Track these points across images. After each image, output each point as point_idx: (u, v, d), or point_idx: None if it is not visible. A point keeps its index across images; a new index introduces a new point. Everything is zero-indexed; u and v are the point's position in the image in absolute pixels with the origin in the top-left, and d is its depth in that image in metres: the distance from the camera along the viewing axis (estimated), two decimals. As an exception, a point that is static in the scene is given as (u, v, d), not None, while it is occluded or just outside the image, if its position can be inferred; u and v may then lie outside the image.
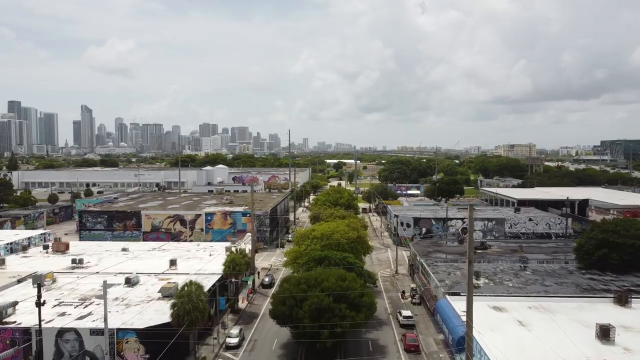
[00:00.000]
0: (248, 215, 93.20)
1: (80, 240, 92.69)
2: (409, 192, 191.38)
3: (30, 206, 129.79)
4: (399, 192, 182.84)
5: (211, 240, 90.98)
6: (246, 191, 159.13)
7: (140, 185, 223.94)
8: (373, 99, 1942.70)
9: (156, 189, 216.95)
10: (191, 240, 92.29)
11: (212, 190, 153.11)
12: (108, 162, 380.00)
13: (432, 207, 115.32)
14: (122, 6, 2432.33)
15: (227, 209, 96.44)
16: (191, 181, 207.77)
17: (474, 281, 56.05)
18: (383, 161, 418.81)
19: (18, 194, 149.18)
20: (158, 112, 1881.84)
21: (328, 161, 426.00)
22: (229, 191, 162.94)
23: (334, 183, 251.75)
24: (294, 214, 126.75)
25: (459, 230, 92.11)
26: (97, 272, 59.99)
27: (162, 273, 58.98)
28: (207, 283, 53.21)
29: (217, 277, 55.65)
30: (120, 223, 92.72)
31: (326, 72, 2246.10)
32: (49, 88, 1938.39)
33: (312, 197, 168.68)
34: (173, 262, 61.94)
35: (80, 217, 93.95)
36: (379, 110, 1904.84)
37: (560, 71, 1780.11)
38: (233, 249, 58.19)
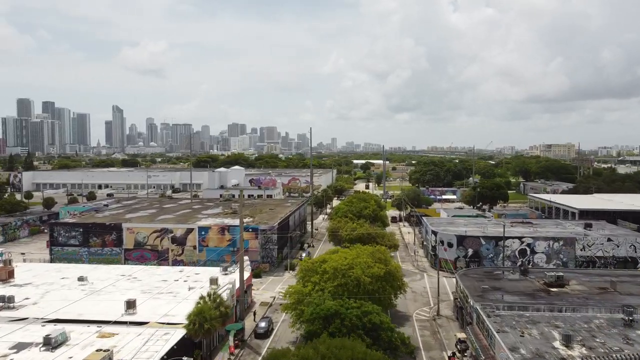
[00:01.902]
0: (251, 230, 76.03)
1: (51, 259, 77.40)
2: (444, 197, 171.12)
3: (19, 212, 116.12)
4: (432, 196, 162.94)
5: (205, 262, 74.31)
6: (261, 196, 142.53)
7: (154, 187, 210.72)
8: (403, 98, 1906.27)
9: (170, 191, 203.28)
10: (181, 260, 75.78)
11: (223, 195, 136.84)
12: (129, 162, 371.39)
13: (477, 219, 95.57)
14: (155, 8, 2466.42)
15: (227, 221, 79.43)
16: (207, 184, 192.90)
17: (564, 350, 37.26)
18: (413, 162, 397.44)
19: (17, 196, 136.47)
20: (189, 112, 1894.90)
21: (355, 161, 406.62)
22: (243, 196, 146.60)
23: (361, 185, 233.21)
24: (312, 224, 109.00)
25: (516, 252, 72.46)
26: (24, 319, 43.61)
27: (110, 322, 42.09)
28: (159, 349, 36.04)
29: (180, 335, 38.46)
30: (97, 238, 76.86)
31: (356, 72, 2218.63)
32: (82, 89, 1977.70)
33: (335, 202, 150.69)
34: (131, 304, 45.05)
35: (51, 230, 78.36)
36: (409, 110, 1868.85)
37: (599, 69, 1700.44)
38: (206, 292, 40.63)
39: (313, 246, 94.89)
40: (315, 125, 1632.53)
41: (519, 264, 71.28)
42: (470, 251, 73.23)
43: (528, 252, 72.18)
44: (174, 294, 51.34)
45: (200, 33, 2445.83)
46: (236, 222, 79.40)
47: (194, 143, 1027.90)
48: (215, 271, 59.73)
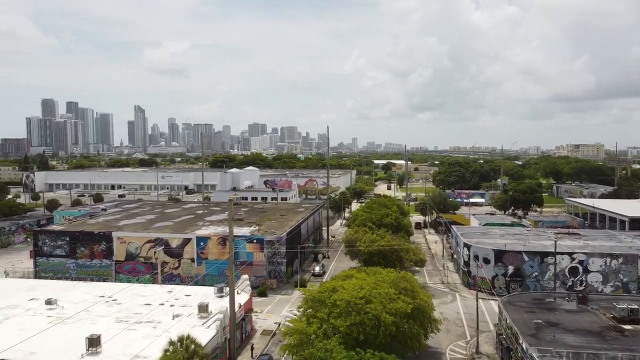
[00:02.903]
0: (255, 241, 66.76)
1: (35, 272, 69.46)
2: (472, 200, 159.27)
3: (17, 215, 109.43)
4: (459, 200, 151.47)
5: (205, 276, 65.44)
6: (275, 199, 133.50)
7: (167, 188, 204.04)
8: (425, 98, 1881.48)
9: (183, 192, 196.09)
10: (178, 275, 67.02)
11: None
12: (147, 161, 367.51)
13: (514, 228, 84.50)
14: (177, 10, 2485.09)
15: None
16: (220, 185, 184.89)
17: None
18: (435, 162, 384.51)
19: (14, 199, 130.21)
20: (211, 112, 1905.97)
21: (377, 161, 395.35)
22: (256, 199, 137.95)
23: (382, 187, 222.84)
24: (327, 232, 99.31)
25: (565, 271, 61.43)
26: (-40, 360, 35.16)
27: (63, 368, 33.30)
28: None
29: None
30: (85, 248, 68.60)
31: (377, 71, 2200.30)
32: (106, 89, 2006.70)
33: (354, 205, 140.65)
34: (93, 342, 36.20)
35: (35, 238, 70.39)
36: (431, 109, 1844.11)
37: (627, 66, 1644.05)
38: (176, 337, 31.36)
39: (328, 257, 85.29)
40: (336, 125, 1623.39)
41: (569, 284, 60.62)
42: (510, 269, 62.49)
43: (580, 271, 61.13)
44: (155, 323, 42.43)
45: (222, 34, 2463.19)
46: (242, 231, 70.33)
47: (215, 143, 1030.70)
48: (209, 292, 50.80)
